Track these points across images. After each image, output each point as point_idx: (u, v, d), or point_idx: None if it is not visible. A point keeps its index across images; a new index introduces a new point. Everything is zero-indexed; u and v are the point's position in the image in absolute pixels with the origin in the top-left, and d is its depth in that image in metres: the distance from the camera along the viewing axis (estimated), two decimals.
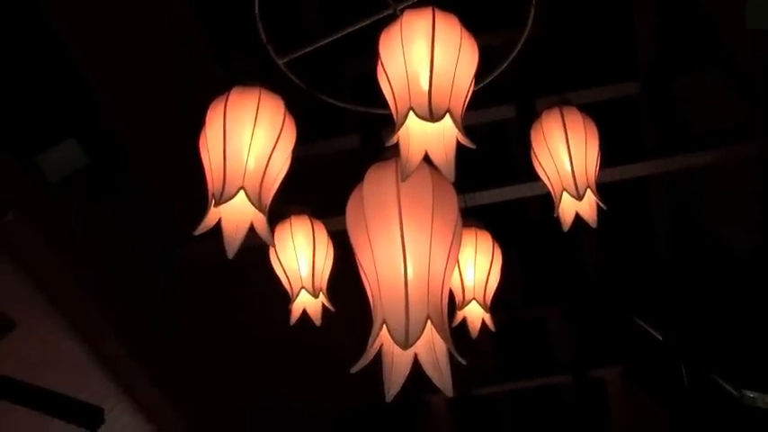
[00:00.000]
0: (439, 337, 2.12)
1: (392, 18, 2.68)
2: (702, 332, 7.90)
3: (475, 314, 3.41)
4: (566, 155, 3.16)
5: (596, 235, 8.02)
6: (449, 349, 2.11)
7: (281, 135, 2.84)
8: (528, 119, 3.51)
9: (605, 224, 3.22)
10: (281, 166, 2.85)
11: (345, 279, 3.43)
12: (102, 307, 5.07)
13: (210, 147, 2.76)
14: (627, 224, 7.51)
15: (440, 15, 2.56)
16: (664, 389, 8.58)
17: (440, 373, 2.16)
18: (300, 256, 3.53)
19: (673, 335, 8.27)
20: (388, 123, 2.50)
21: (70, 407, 3.70)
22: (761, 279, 6.48)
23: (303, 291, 3.49)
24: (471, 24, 2.63)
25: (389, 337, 2.08)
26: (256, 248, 3.21)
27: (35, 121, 4.69)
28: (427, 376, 2.18)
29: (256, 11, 3.32)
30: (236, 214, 2.74)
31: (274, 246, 3.53)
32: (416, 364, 2.16)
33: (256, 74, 2.95)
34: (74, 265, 4.86)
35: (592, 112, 3.45)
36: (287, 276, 3.53)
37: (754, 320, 6.73)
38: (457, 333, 2.33)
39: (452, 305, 3.30)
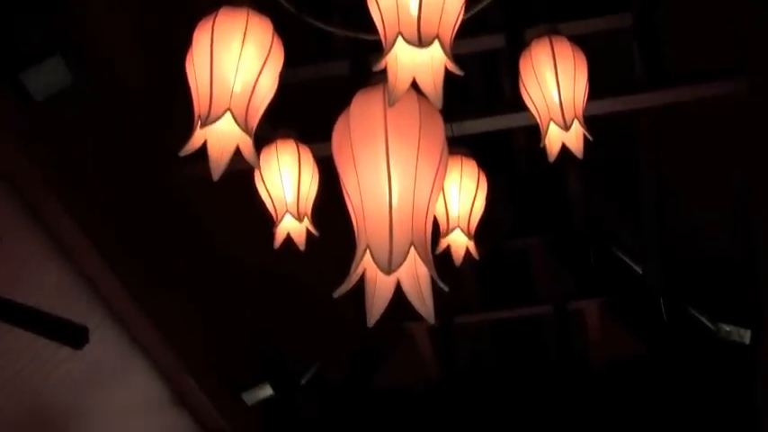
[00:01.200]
0: (422, 263, 2.13)
1: None
2: (681, 267, 7.98)
3: (459, 242, 3.43)
4: (554, 85, 3.15)
5: (581, 167, 8.04)
6: (432, 276, 2.13)
7: (269, 57, 2.81)
8: (517, 48, 3.48)
9: (591, 156, 3.22)
10: (268, 89, 2.83)
11: (330, 204, 3.44)
12: (86, 226, 5.06)
13: (197, 68, 2.74)
14: (612, 157, 7.52)
15: None
16: (642, 321, 8.70)
17: (422, 301, 2.18)
18: (286, 180, 3.52)
19: (652, 268, 8.35)
20: (378, 49, 2.48)
21: (55, 325, 3.72)
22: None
23: (288, 215, 3.49)
24: None
25: (373, 263, 2.10)
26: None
27: (18, 40, 4.62)
28: (409, 303, 2.20)
29: None
30: (222, 137, 2.73)
31: (260, 169, 3.53)
32: (399, 291, 2.18)
33: None
34: (58, 184, 4.85)
35: (582, 43, 3.43)
36: (272, 200, 3.53)
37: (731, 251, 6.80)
38: (440, 261, 2.35)
39: (436, 233, 3.32)
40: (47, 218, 4.94)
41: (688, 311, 8.23)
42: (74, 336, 3.74)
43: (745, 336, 6.34)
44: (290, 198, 3.51)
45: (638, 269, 8.80)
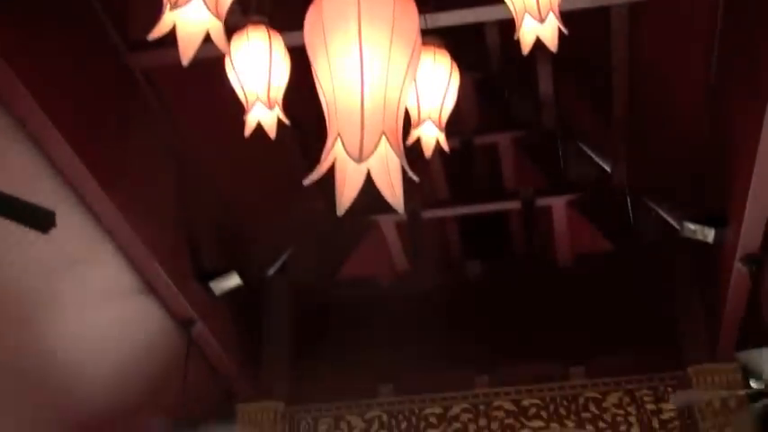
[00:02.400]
0: (392, 152, 2.13)
1: None
2: (648, 166, 8.04)
3: (429, 135, 3.42)
4: None
5: (553, 66, 8.00)
6: (402, 165, 2.13)
7: None
8: None
9: (562, 53, 3.20)
10: None
11: (301, 93, 3.41)
12: (54, 115, 4.99)
13: None
14: (583, 56, 7.48)
15: None
16: (609, 219, 8.81)
17: (392, 190, 2.18)
18: (257, 67, 3.46)
19: (620, 167, 8.41)
20: None
21: (22, 209, 3.70)
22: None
23: (258, 103, 3.45)
24: None
25: (344, 152, 2.09)
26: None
27: None
28: (379, 194, 2.20)
29: None
30: (191, 21, 2.67)
31: (230, 56, 3.46)
32: (369, 181, 2.18)
33: None
34: (27, 73, 4.75)
35: None
36: (242, 88, 3.48)
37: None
38: (410, 153, 2.34)
39: (407, 125, 3.31)
40: (15, 107, 4.86)
41: (654, 210, 8.35)
42: (41, 219, 3.72)
43: (709, 235, 6.45)
44: (261, 85, 3.46)
45: (607, 167, 8.87)
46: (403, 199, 2.21)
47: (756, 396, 6.27)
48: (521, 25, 3.01)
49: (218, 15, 2.64)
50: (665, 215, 8.25)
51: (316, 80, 2.26)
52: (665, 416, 7.59)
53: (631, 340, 7.89)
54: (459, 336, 8.17)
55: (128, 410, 7.33)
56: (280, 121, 3.53)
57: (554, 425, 7.70)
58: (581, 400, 7.76)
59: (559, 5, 3.04)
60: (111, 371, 7.19)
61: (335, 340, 8.46)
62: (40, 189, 5.26)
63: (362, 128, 2.09)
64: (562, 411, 7.74)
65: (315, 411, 8.15)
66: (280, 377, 8.31)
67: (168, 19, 2.63)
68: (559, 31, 3.04)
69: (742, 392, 6.91)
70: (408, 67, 2.23)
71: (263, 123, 3.48)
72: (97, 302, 6.59)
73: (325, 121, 2.20)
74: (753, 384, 6.20)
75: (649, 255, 8.33)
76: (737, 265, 6.36)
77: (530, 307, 8.30)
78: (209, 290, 7.03)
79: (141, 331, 7.20)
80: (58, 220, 4.96)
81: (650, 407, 7.63)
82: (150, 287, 6.68)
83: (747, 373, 6.34)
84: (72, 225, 5.75)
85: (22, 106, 4.85)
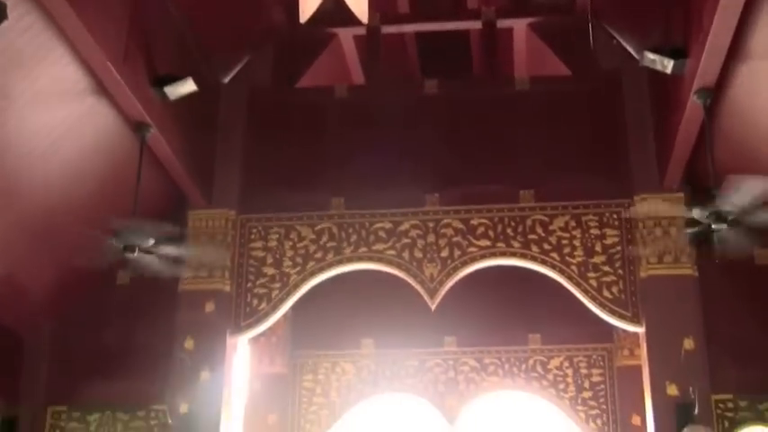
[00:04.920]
0: None
1: None
2: None
3: None
4: None
5: None
6: None
7: None
8: None
9: None
10: None
11: None
12: None
13: None
14: None
15: None
16: (569, 44, 8.75)
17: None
18: None
19: None
20: None
21: None
22: None
23: None
24: None
25: None
26: None
27: None
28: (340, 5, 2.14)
29: None
30: None
31: None
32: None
33: None
34: None
35: None
36: None
37: None
38: None
39: None
40: None
41: (614, 38, 8.31)
42: None
43: (668, 66, 6.44)
44: None
45: None
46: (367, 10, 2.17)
47: (695, 225, 6.44)
48: None
49: None
50: (625, 44, 8.21)
51: None
52: (609, 241, 7.81)
53: (582, 167, 8.03)
54: (412, 153, 8.22)
55: (79, 212, 7.36)
56: None
57: (500, 245, 7.89)
58: (528, 222, 7.92)
59: None
60: (64, 169, 7.17)
61: (288, 152, 8.45)
62: None
63: None
64: (509, 232, 7.91)
65: (266, 221, 8.22)
66: (232, 186, 8.33)
67: None
68: None
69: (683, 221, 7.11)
70: None
71: None
72: (49, 101, 6.48)
73: None
74: (694, 215, 6.36)
75: (606, 83, 8.33)
76: (692, 97, 6.41)
77: (484, 128, 8.32)
78: (164, 95, 6.90)
79: (94, 132, 7.14)
80: (10, 13, 4.81)
81: (595, 231, 7.83)
82: (102, 88, 6.56)
83: (690, 203, 6.50)
84: (23, 20, 5.56)
85: None
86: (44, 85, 6.30)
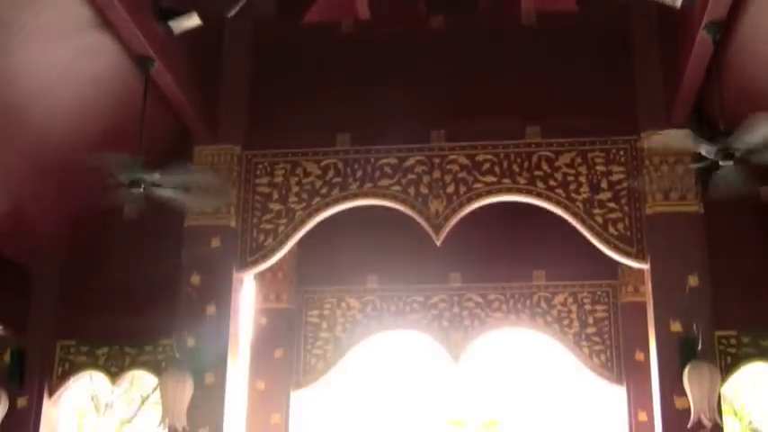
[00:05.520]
0: None
1: None
2: None
3: None
4: None
5: None
6: None
7: None
8: None
9: None
10: None
11: None
12: None
13: None
14: None
15: None
16: None
17: None
18: None
19: None
20: None
21: None
22: None
23: None
24: None
25: None
26: None
27: None
28: None
29: None
30: None
31: None
32: None
33: None
34: None
35: None
36: None
37: None
38: None
39: None
40: None
41: None
42: None
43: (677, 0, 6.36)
44: None
45: None
46: None
47: (702, 161, 6.41)
48: None
49: None
50: None
51: None
52: (615, 177, 7.78)
53: (589, 103, 7.96)
54: (418, 89, 8.15)
55: (85, 147, 7.36)
56: None
57: (506, 181, 7.87)
58: (534, 159, 7.87)
59: None
60: (68, 104, 7.16)
61: (294, 88, 8.41)
62: None
63: None
64: (515, 168, 7.87)
65: (272, 156, 8.19)
66: (237, 121, 8.29)
67: None
68: None
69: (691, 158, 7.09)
70: None
71: None
72: (52, 35, 6.44)
73: None
74: (701, 151, 6.33)
75: (614, 18, 8.24)
76: (702, 32, 6.33)
77: (490, 64, 8.24)
78: (168, 29, 6.85)
79: (98, 66, 7.12)
80: None
81: (601, 168, 7.79)
82: (106, 21, 6.50)
83: (697, 139, 6.46)
84: None
85: None
86: (47, 19, 6.26)
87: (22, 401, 8.04)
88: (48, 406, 8.25)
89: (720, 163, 6.16)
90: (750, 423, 15.98)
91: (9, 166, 7.12)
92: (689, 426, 6.95)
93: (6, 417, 7.89)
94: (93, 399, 16.88)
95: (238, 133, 8.25)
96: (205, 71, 8.07)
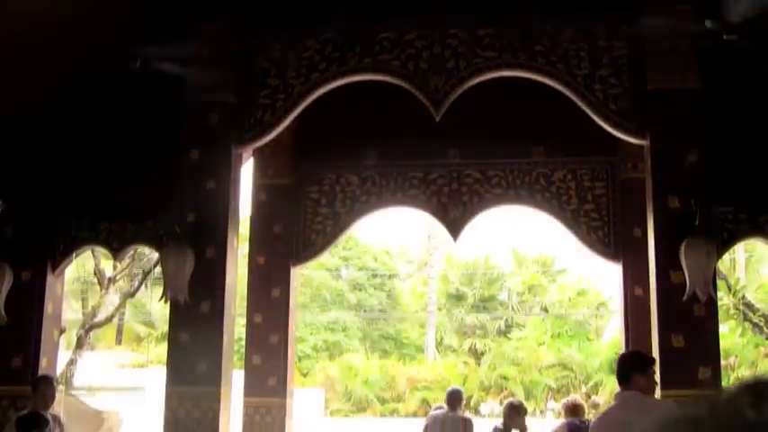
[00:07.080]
0: None
1: None
2: None
3: None
4: None
5: None
6: None
7: None
8: None
9: None
10: None
11: None
12: None
13: None
14: None
15: None
16: None
17: None
18: None
19: None
20: None
21: None
22: None
23: None
24: None
25: None
26: None
27: None
28: None
29: None
30: None
31: None
32: None
33: None
34: None
35: None
36: None
37: None
38: None
39: None
40: None
41: None
42: None
43: None
44: None
45: None
46: None
47: (704, 37, 6.33)
48: None
49: None
50: None
51: None
52: (616, 52, 7.54)
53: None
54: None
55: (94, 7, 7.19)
56: None
57: (506, 56, 7.70)
58: (535, 34, 7.67)
59: None
60: None
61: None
62: None
63: None
64: (515, 43, 7.69)
65: (271, 33, 8.07)
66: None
67: None
68: None
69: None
70: None
71: None
72: None
73: None
74: (705, 26, 6.25)
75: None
76: None
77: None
78: None
79: None
80: None
81: (602, 43, 7.58)
82: None
83: (701, 15, 6.36)
84: None
85: None
86: None
87: (26, 275, 8.11)
88: (52, 280, 8.32)
89: (724, 38, 6.07)
90: (743, 298, 16.27)
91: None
92: (683, 299, 7.03)
93: (11, 290, 7.96)
94: (95, 274, 17.13)
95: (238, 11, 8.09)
96: None
